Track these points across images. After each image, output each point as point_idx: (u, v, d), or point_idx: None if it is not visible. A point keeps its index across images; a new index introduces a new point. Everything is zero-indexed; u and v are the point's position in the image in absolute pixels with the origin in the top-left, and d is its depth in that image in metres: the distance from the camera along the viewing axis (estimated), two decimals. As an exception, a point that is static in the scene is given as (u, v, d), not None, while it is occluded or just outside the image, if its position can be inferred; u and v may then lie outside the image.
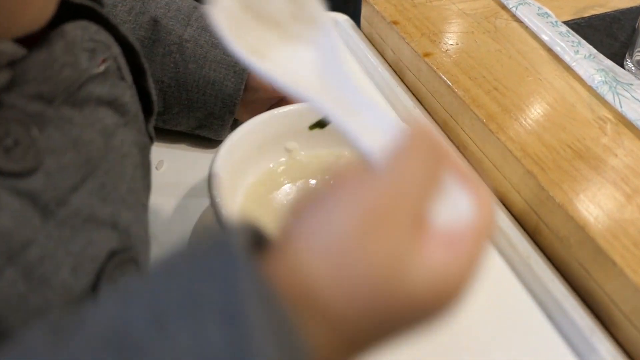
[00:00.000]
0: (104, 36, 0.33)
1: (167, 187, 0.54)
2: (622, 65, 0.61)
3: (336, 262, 0.19)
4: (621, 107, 0.54)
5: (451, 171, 0.23)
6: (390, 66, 0.68)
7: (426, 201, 0.21)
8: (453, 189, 0.22)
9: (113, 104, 0.32)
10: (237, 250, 0.19)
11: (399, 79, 0.66)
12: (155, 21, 0.51)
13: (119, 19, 0.51)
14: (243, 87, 0.52)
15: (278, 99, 0.55)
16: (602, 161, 0.50)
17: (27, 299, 0.26)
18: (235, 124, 0.57)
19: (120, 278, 0.31)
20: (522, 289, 0.47)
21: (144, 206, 0.34)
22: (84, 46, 0.31)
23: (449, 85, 0.58)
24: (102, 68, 0.32)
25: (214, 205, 0.42)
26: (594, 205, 0.46)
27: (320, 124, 0.52)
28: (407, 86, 0.65)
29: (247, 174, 0.49)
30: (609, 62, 0.60)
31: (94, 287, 0.29)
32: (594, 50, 0.61)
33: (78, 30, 0.31)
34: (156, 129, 0.54)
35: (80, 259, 0.28)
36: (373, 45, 0.71)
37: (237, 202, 0.47)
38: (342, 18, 0.75)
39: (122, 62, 0.34)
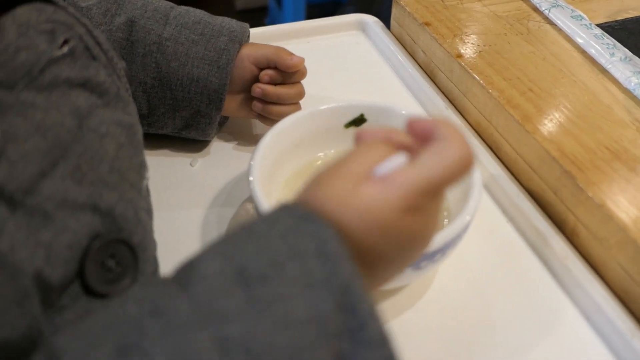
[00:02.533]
0: (64, 16, 0.32)
1: (201, 183, 0.54)
2: (657, 68, 0.60)
3: (307, 197, 0.29)
4: (659, 109, 0.54)
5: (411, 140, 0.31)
6: (421, 67, 0.68)
7: (368, 165, 0.29)
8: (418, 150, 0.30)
9: (86, 85, 0.32)
10: (299, 211, 0.27)
11: (430, 80, 0.66)
12: (132, 22, 0.51)
13: (94, 21, 0.50)
14: (228, 81, 0.52)
15: (254, 80, 0.54)
16: (640, 163, 0.49)
17: (3, 288, 0.25)
18: (219, 122, 0.57)
19: (111, 262, 0.30)
20: (559, 291, 0.47)
21: (134, 186, 0.33)
22: (41, 28, 0.30)
23: (483, 86, 0.57)
24: (65, 49, 0.31)
25: (254, 198, 0.42)
26: (634, 207, 0.45)
27: (356, 122, 0.52)
28: (438, 87, 0.65)
29: (285, 169, 0.50)
30: (644, 65, 0.59)
31: (81, 273, 0.29)
32: (629, 53, 0.61)
33: (32, 13, 0.30)
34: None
35: (53, 247, 0.27)
36: (403, 47, 0.71)
37: (275, 195, 0.48)
38: (372, 20, 0.75)
39: (91, 41, 0.33)
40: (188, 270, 0.25)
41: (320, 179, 0.30)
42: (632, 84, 0.56)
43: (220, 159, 0.57)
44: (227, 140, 0.59)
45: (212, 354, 0.23)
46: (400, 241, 0.29)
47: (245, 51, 0.53)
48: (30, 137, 0.28)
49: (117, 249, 0.31)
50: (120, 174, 0.32)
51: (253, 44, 0.55)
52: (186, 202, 0.53)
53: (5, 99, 0.28)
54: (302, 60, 0.54)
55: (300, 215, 0.27)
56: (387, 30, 0.74)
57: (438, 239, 0.39)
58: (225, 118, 0.59)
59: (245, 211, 0.52)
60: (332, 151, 0.52)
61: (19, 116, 0.28)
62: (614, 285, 0.45)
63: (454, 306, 0.46)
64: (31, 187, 0.27)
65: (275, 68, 0.54)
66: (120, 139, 0.33)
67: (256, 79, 0.54)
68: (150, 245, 0.34)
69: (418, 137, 0.30)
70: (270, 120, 0.56)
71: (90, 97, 0.32)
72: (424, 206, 0.29)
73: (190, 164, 0.56)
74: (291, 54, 0.54)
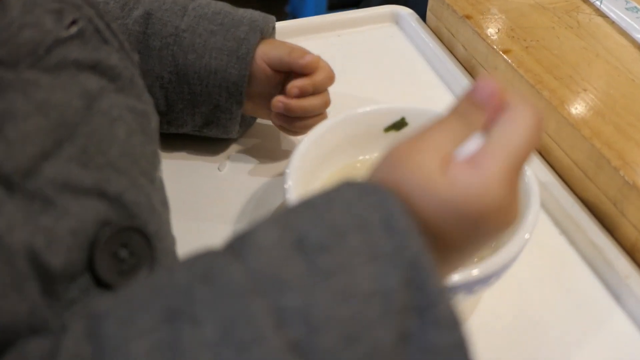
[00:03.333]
0: None
1: (230, 188, 0.51)
2: None
3: (384, 171, 0.27)
4: None
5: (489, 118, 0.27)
6: (461, 63, 0.64)
7: (451, 139, 0.27)
8: (491, 122, 0.27)
9: (97, 68, 0.30)
10: (362, 184, 0.25)
11: (471, 77, 0.62)
12: (149, 14, 0.48)
13: (111, 15, 0.48)
14: (248, 72, 0.48)
15: (281, 84, 0.50)
16: None
17: (0, 272, 0.24)
18: (245, 121, 0.53)
19: (124, 252, 0.28)
20: (621, 313, 0.43)
21: (146, 174, 0.31)
22: (48, 7, 0.29)
23: (532, 85, 0.53)
24: (73, 30, 0.30)
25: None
26: None
27: (397, 126, 0.48)
28: (480, 85, 0.61)
29: (322, 175, 0.46)
30: None
31: (90, 263, 0.27)
32: (691, 49, 0.56)
33: None
34: (181, 135, 0.51)
35: (54, 233, 0.26)
36: (441, 41, 0.67)
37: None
38: (406, 12, 0.71)
39: (101, 24, 0.32)
40: (242, 240, 0.24)
41: (400, 152, 0.26)
42: (697, 83, 0.52)
43: (249, 162, 0.54)
44: (255, 143, 0.56)
45: (266, 323, 0.21)
46: (489, 229, 0.26)
47: (261, 48, 0.49)
48: (31, 116, 0.26)
49: (130, 238, 0.29)
50: (132, 159, 0.30)
51: (271, 41, 0.51)
52: (215, 211, 0.50)
53: (6, 76, 0.26)
54: (316, 58, 0.48)
55: (363, 187, 0.25)
56: (423, 23, 0.70)
57: (494, 262, 0.36)
58: (253, 118, 0.56)
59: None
60: (375, 155, 0.48)
61: (19, 95, 0.26)
62: (683, 309, 0.41)
63: (504, 326, 0.42)
64: (31, 169, 0.26)
65: (292, 72, 0.48)
66: (132, 124, 0.31)
67: (270, 81, 0.49)
68: (168, 237, 0.32)
69: (490, 105, 0.27)
70: (293, 131, 0.51)
71: (100, 80, 0.30)
72: (515, 185, 0.26)
73: (218, 169, 0.53)
74: (305, 52, 0.49)
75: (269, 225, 0.24)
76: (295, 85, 0.48)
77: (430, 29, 0.69)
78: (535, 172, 0.52)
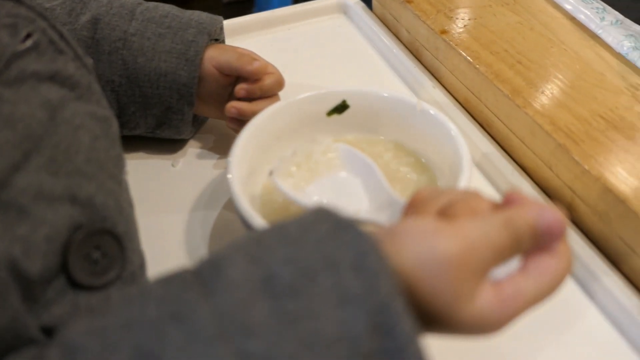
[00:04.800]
0: (24, 10, 0.32)
1: (184, 183, 0.53)
2: (651, 30, 0.57)
3: (422, 267, 0.26)
4: (654, 72, 0.51)
5: (538, 245, 0.28)
6: (406, 47, 0.65)
7: (498, 262, 0.27)
8: (534, 258, 0.28)
9: (56, 78, 0.31)
10: (338, 220, 0.25)
11: (416, 59, 0.63)
12: (96, 20, 0.49)
13: (58, 21, 0.48)
14: (197, 74, 0.49)
15: (231, 85, 0.51)
16: (638, 130, 0.47)
17: None
18: (197, 120, 0.54)
19: (97, 254, 0.29)
20: (560, 270, 0.45)
21: (113, 177, 0.33)
22: (2, 22, 0.30)
23: (469, 62, 0.55)
24: (29, 43, 0.31)
25: (232, 197, 0.41)
26: (634, 177, 0.43)
27: (339, 109, 0.50)
28: (424, 66, 0.63)
29: (267, 162, 0.47)
30: (637, 27, 0.57)
31: (64, 266, 0.28)
32: (621, 16, 0.58)
33: None
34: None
35: (30, 241, 0.27)
36: (387, 27, 0.69)
37: (259, 191, 0.46)
38: (352, 1, 0.73)
39: (55, 35, 0.33)
40: (213, 271, 0.24)
41: (450, 261, 0.25)
42: (625, 48, 0.54)
43: (203, 157, 0.55)
44: (208, 138, 0.57)
45: None
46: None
47: (210, 53, 0.51)
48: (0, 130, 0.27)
49: (102, 240, 0.30)
50: (98, 164, 0.31)
51: (220, 46, 0.52)
52: (169, 205, 0.51)
53: None
54: (264, 65, 0.50)
55: (339, 222, 0.25)
56: (370, 11, 0.71)
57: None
58: (205, 117, 0.57)
59: (228, 212, 0.50)
60: (322, 141, 0.49)
61: None
62: (616, 261, 0.43)
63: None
64: (4, 182, 0.27)
65: (242, 77, 0.50)
66: (95, 130, 0.32)
67: (219, 83, 0.51)
68: (136, 236, 0.33)
69: (547, 242, 0.28)
70: None
71: (60, 90, 0.31)
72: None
73: (172, 165, 0.55)
74: (255, 58, 0.50)
75: (240, 255, 0.25)
76: (242, 87, 0.50)
77: (377, 16, 0.70)
78: (479, 144, 0.54)
